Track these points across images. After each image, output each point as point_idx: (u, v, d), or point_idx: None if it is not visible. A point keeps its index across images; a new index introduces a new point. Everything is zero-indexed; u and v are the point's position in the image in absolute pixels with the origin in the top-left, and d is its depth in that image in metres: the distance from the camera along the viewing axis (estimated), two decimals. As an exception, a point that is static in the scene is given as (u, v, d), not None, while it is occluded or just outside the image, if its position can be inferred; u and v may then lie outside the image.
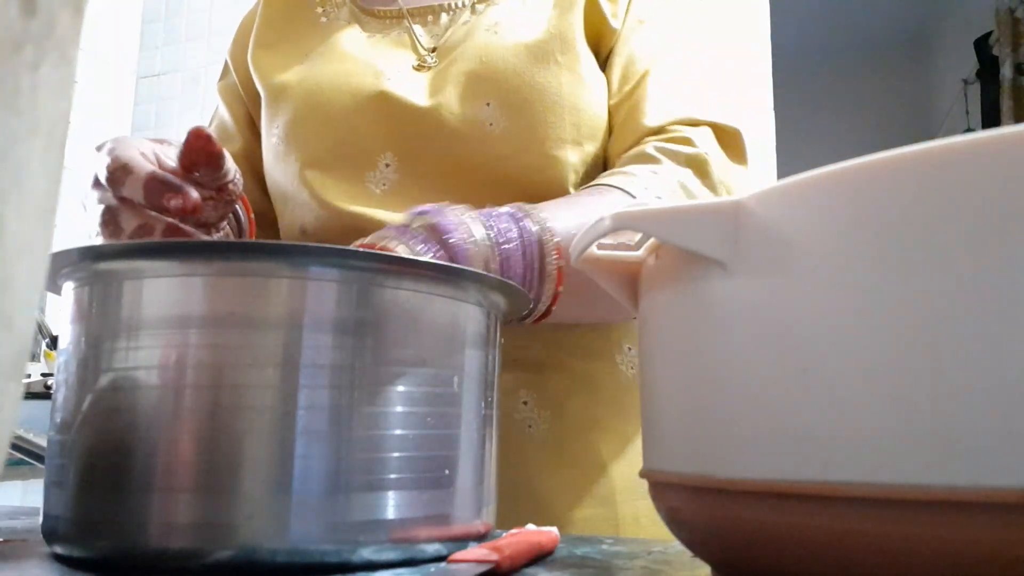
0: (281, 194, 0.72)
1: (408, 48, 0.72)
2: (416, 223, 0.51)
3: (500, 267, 0.52)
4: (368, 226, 0.64)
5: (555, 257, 0.54)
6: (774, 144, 2.06)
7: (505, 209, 0.55)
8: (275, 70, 0.74)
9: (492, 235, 0.52)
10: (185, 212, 0.49)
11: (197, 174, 0.52)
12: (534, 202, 0.59)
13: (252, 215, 0.63)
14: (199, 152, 0.52)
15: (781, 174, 2.03)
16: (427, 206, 0.53)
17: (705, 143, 0.67)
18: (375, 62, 0.69)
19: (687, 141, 0.66)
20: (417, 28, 0.72)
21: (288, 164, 0.71)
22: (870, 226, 0.25)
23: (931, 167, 0.24)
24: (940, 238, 0.23)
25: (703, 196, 0.63)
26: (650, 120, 0.67)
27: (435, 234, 0.50)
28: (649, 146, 0.66)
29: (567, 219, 0.56)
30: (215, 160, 0.52)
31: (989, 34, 3.31)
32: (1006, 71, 3.10)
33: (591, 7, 0.71)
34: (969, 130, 1.81)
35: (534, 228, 0.54)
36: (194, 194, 0.49)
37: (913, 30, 4.26)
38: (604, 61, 0.72)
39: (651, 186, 0.62)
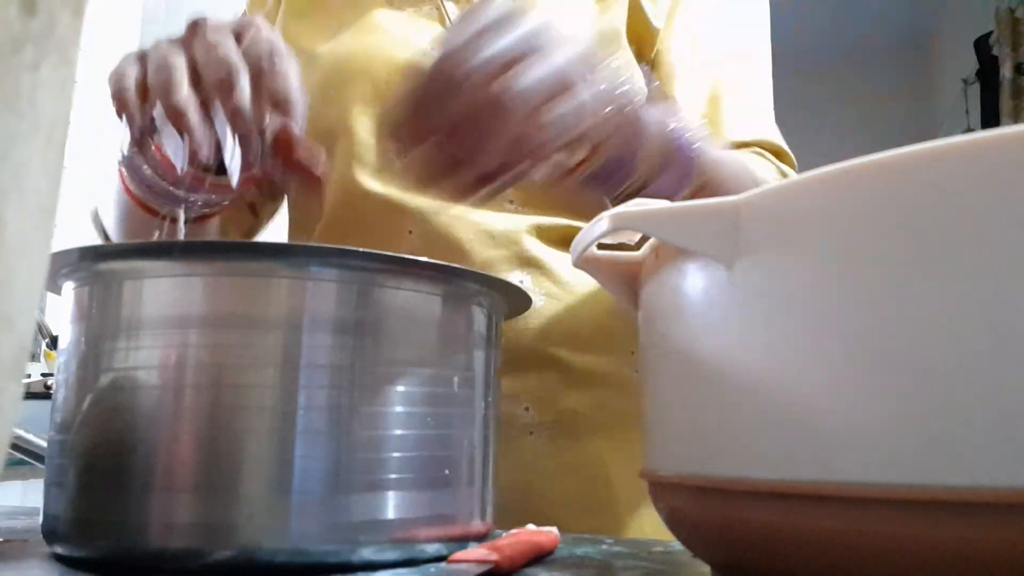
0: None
1: (440, 25, 0.71)
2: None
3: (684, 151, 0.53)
4: (368, 201, 0.64)
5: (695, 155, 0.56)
6: (774, 144, 2.06)
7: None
8: (305, 38, 0.73)
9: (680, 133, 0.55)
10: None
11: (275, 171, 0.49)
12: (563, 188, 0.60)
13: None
14: (309, 174, 0.49)
15: (781, 174, 2.03)
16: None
17: (784, 167, 0.70)
18: (410, 36, 0.69)
19: (778, 158, 0.70)
20: (449, 5, 0.72)
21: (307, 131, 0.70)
22: (870, 226, 0.25)
23: (931, 167, 0.24)
24: (940, 238, 0.23)
25: None
26: (732, 134, 0.70)
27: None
28: (752, 149, 0.69)
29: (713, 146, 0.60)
30: (308, 187, 0.50)
31: (989, 34, 3.30)
32: (1006, 71, 3.10)
33: (634, 6, 0.71)
34: (969, 130, 1.81)
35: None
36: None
37: (913, 30, 4.26)
38: (649, 58, 0.73)
39: (762, 170, 0.64)
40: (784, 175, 0.69)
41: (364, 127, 0.66)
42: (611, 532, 0.63)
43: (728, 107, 0.71)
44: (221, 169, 0.55)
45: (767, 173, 0.65)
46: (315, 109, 0.69)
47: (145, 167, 0.54)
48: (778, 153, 0.71)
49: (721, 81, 0.72)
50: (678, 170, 0.54)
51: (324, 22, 0.73)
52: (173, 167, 0.53)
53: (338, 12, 0.74)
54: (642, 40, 0.72)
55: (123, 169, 0.57)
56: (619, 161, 0.51)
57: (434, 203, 0.63)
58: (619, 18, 0.70)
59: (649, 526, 0.65)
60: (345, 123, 0.67)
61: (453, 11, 0.72)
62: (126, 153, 0.55)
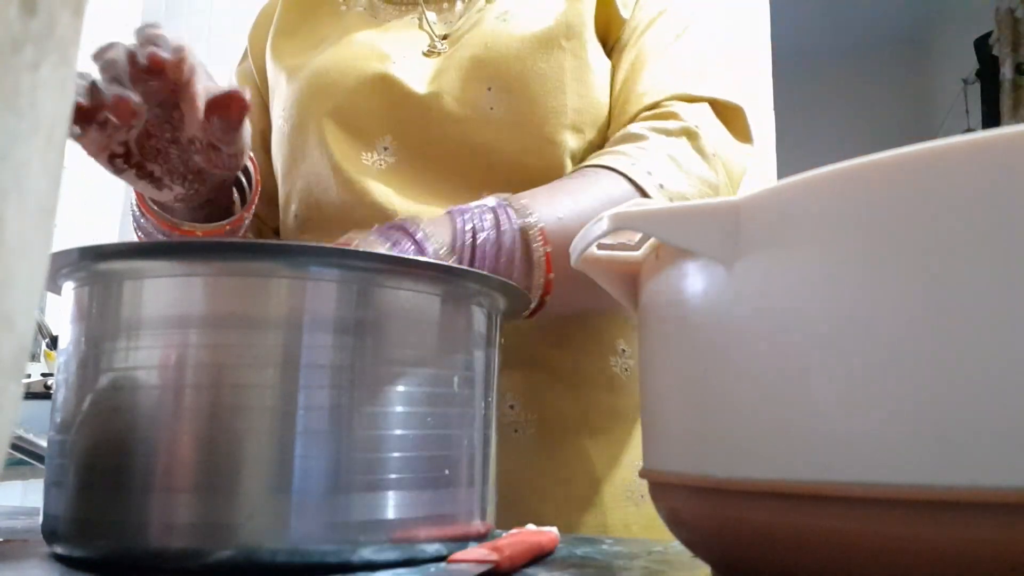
0: (280, 174, 0.74)
1: (420, 32, 0.72)
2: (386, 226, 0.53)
3: (471, 262, 0.53)
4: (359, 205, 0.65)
5: (540, 244, 0.54)
6: (774, 144, 2.06)
7: (486, 201, 0.56)
8: (289, 55, 0.74)
9: (463, 228, 0.53)
10: (121, 116, 0.48)
11: (212, 123, 0.51)
12: (530, 187, 0.59)
13: (259, 177, 0.63)
14: (230, 103, 0.50)
15: (781, 174, 2.03)
16: (400, 219, 0.54)
17: (697, 117, 0.66)
18: (383, 47, 0.70)
19: (674, 116, 0.65)
20: (431, 15, 0.73)
21: (287, 146, 0.71)
22: (870, 226, 0.25)
23: (931, 167, 0.24)
24: (940, 238, 0.23)
25: (694, 166, 0.63)
26: (647, 97, 0.67)
27: (405, 234, 0.52)
28: (636, 126, 0.65)
29: (554, 205, 0.57)
30: (237, 117, 0.51)
31: (989, 34, 3.31)
32: (1006, 71, 3.11)
33: None
34: (969, 130, 1.81)
35: (515, 218, 0.55)
36: (134, 99, 0.48)
37: (913, 30, 4.26)
38: (611, 48, 0.72)
39: (639, 161, 0.61)
40: (687, 130, 0.64)
41: (334, 138, 0.67)
42: (596, 530, 0.63)
43: (652, 63, 0.68)
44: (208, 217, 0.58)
45: (642, 161, 0.61)
46: (294, 122, 0.70)
47: (152, 228, 0.58)
48: (733, 109, 0.68)
49: (671, 52, 0.70)
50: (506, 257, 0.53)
51: (309, 40, 0.74)
52: (171, 223, 0.57)
53: (324, 29, 0.75)
54: (608, 29, 0.71)
55: (139, 232, 0.62)
56: None
57: (412, 208, 0.64)
58: (587, 7, 0.69)
59: (635, 524, 0.64)
60: (319, 135, 0.68)
61: (435, 20, 0.72)
62: (139, 218, 0.60)
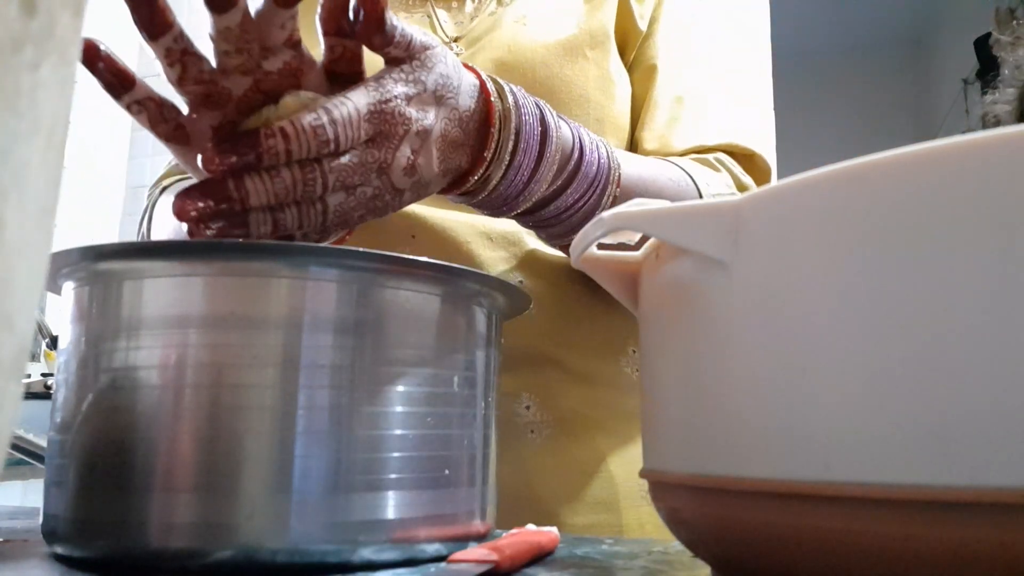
0: None
1: (432, 31, 0.71)
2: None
3: (576, 164, 0.53)
4: None
5: (615, 188, 0.56)
6: (774, 144, 2.06)
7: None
8: None
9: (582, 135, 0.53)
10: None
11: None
12: None
13: None
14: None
15: (781, 174, 2.03)
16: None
17: (748, 177, 0.70)
18: None
19: (741, 169, 0.70)
20: (441, 13, 0.72)
21: None
22: (870, 226, 0.25)
23: (931, 167, 0.24)
24: (940, 238, 0.23)
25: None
26: (695, 138, 0.69)
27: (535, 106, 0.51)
28: (712, 156, 0.68)
29: (636, 165, 0.59)
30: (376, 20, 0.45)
31: (989, 34, 3.31)
32: (1006, 71, 3.11)
33: (622, 5, 0.71)
34: (969, 130, 1.81)
35: (607, 153, 0.56)
36: None
37: (913, 30, 4.26)
38: (628, 59, 0.73)
39: (712, 184, 0.64)
40: (740, 184, 0.68)
41: None
42: (612, 530, 0.63)
43: (692, 110, 0.71)
44: None
45: (713, 185, 0.65)
46: None
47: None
48: (749, 156, 0.71)
49: (690, 85, 0.72)
50: (584, 184, 0.53)
51: (313, 35, 0.74)
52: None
53: None
54: (626, 40, 0.72)
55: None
56: (515, 182, 0.50)
57: (434, 206, 0.64)
58: (608, 18, 0.70)
59: (650, 523, 0.65)
60: None
61: (445, 18, 0.72)
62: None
